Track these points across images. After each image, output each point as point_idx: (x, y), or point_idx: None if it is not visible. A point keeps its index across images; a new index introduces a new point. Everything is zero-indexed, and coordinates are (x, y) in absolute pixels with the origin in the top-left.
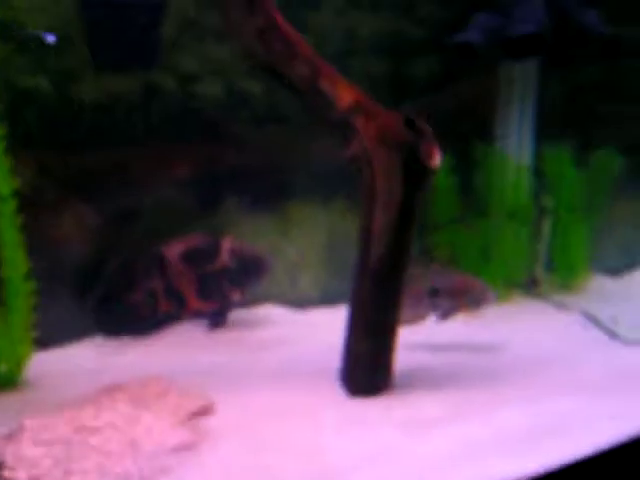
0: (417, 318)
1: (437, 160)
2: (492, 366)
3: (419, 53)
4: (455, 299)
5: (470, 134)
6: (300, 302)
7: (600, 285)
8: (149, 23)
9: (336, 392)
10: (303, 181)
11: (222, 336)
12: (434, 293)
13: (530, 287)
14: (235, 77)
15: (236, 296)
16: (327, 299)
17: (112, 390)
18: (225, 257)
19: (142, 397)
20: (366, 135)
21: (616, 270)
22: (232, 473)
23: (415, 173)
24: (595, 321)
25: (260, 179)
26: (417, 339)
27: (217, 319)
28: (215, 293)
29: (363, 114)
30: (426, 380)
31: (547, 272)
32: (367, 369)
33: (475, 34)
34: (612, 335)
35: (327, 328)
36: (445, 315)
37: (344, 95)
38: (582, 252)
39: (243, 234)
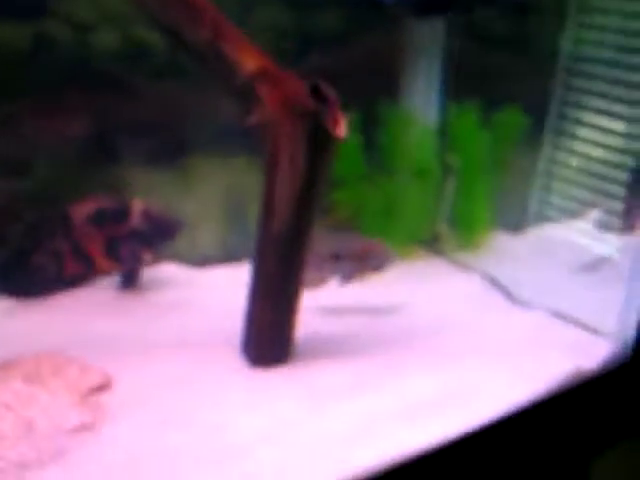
0: (319, 282)
1: (343, 128)
2: (393, 330)
3: (325, 5)
4: (357, 262)
5: (376, 90)
6: (200, 260)
7: (501, 242)
8: None
9: (238, 362)
10: (204, 136)
11: (123, 299)
12: (336, 256)
13: (433, 244)
14: (133, 27)
15: (147, 257)
16: (227, 256)
17: (4, 366)
18: (136, 219)
19: (37, 373)
20: (269, 103)
21: (517, 226)
22: (132, 453)
23: (320, 142)
24: (494, 282)
25: (159, 134)
26: (319, 303)
27: (128, 280)
28: (126, 255)
29: (267, 81)
30: (328, 347)
31: (451, 230)
32: (269, 339)
33: None
34: (510, 297)
35: (228, 288)
36: (347, 278)
37: (247, 61)
38: (484, 210)
39: (141, 190)
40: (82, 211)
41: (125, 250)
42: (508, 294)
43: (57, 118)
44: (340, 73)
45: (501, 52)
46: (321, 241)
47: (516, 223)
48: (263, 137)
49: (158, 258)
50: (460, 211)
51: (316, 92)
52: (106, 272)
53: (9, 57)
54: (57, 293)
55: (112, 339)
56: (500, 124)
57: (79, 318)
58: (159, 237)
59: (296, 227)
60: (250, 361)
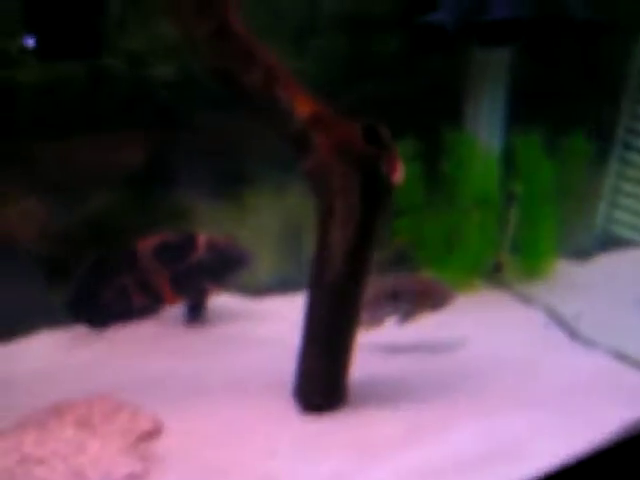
0: (376, 322)
1: (399, 175)
2: (449, 372)
3: (386, 31)
4: (415, 301)
5: (439, 118)
6: (257, 290)
7: (567, 272)
8: (91, 11)
9: (290, 408)
10: (259, 166)
11: (184, 333)
12: (394, 296)
13: (495, 273)
14: (188, 58)
15: (213, 290)
16: (284, 286)
17: (58, 410)
18: (201, 252)
19: (89, 419)
20: (323, 149)
21: (584, 253)
22: None
23: (375, 190)
24: (556, 318)
25: (215, 165)
26: (376, 344)
27: (193, 313)
28: (192, 287)
29: (321, 126)
30: (382, 391)
31: (514, 259)
32: (322, 386)
33: (447, 15)
34: (573, 335)
35: (286, 321)
36: (405, 318)
37: (302, 106)
38: (549, 238)
39: (197, 221)
40: (148, 246)
41: (191, 283)
42: (570, 331)
43: (117, 151)
44: (402, 99)
45: (568, 76)
46: (379, 280)
47: (583, 250)
48: (317, 185)
49: (222, 290)
50: (524, 240)
51: (371, 135)
52: (173, 304)
53: (71, 94)
54: (123, 325)
55: (167, 378)
56: (566, 151)
57: (138, 354)
58: (226, 269)
59: (350, 277)
60: (302, 407)
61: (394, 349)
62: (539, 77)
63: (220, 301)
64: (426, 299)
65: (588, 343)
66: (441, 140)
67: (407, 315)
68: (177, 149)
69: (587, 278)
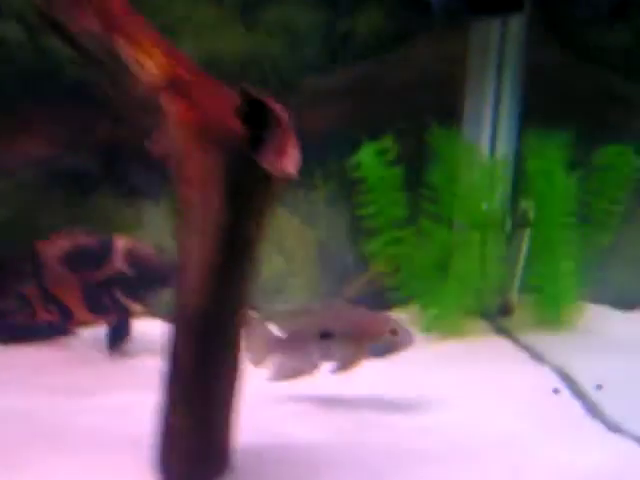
0: (304, 370)
1: (291, 165)
2: (400, 449)
3: (362, 3)
4: (357, 344)
5: (425, 113)
6: None
7: (600, 322)
8: None
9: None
10: None
11: (85, 363)
12: (324, 335)
13: (499, 317)
14: None
15: (135, 309)
16: None
17: None
18: (118, 261)
19: None
20: (178, 125)
21: (629, 302)
22: None
23: (247, 183)
24: (572, 384)
25: (143, 159)
26: (303, 398)
27: (114, 336)
28: (109, 304)
29: (178, 94)
30: (289, 460)
31: (526, 299)
32: (188, 453)
33: None
34: (592, 410)
35: None
36: (343, 366)
37: (151, 63)
38: (573, 276)
39: (122, 228)
40: (53, 250)
41: (106, 299)
42: (589, 404)
43: (15, 137)
44: (383, 87)
45: (608, 69)
46: (305, 314)
47: (631, 298)
48: (171, 172)
49: (147, 310)
50: (539, 276)
51: (256, 110)
52: (89, 324)
53: None
54: (29, 342)
55: (30, 418)
56: (602, 165)
57: (19, 385)
58: (148, 283)
59: (216, 305)
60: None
61: (329, 405)
62: (566, 66)
63: (144, 327)
64: (371, 340)
65: (612, 425)
66: (428, 140)
67: (346, 362)
68: (96, 137)
69: (627, 333)
